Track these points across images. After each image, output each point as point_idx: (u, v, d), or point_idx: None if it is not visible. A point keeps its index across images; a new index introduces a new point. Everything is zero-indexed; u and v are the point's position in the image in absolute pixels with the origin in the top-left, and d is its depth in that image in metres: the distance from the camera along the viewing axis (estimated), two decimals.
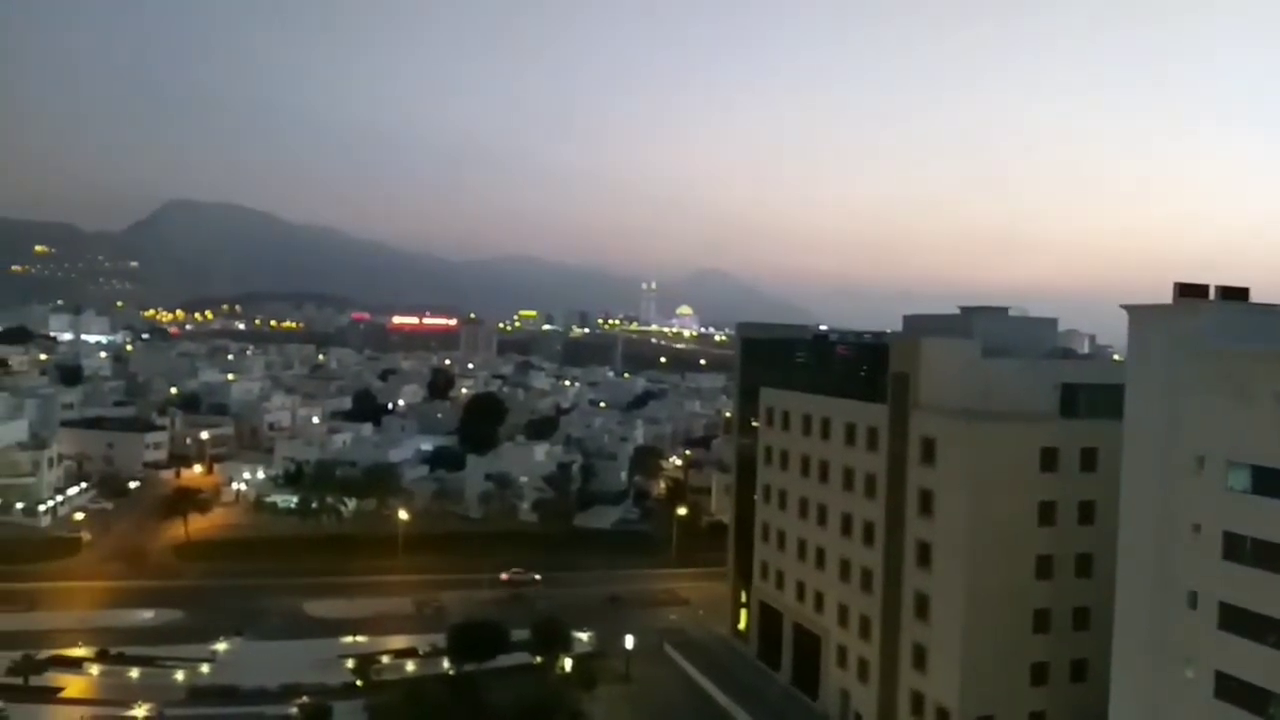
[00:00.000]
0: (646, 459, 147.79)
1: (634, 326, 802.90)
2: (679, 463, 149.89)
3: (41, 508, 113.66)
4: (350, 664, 73.90)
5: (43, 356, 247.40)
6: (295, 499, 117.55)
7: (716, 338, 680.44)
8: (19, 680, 67.28)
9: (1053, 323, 72.18)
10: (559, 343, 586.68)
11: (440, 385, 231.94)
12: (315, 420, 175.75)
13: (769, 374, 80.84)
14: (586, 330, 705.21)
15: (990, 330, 63.79)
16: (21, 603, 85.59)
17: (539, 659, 74.02)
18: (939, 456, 56.83)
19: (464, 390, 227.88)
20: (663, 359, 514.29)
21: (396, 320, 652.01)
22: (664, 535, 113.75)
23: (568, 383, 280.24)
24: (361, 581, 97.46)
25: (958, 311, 69.14)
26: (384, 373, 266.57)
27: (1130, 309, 43.97)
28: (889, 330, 74.87)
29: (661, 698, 71.79)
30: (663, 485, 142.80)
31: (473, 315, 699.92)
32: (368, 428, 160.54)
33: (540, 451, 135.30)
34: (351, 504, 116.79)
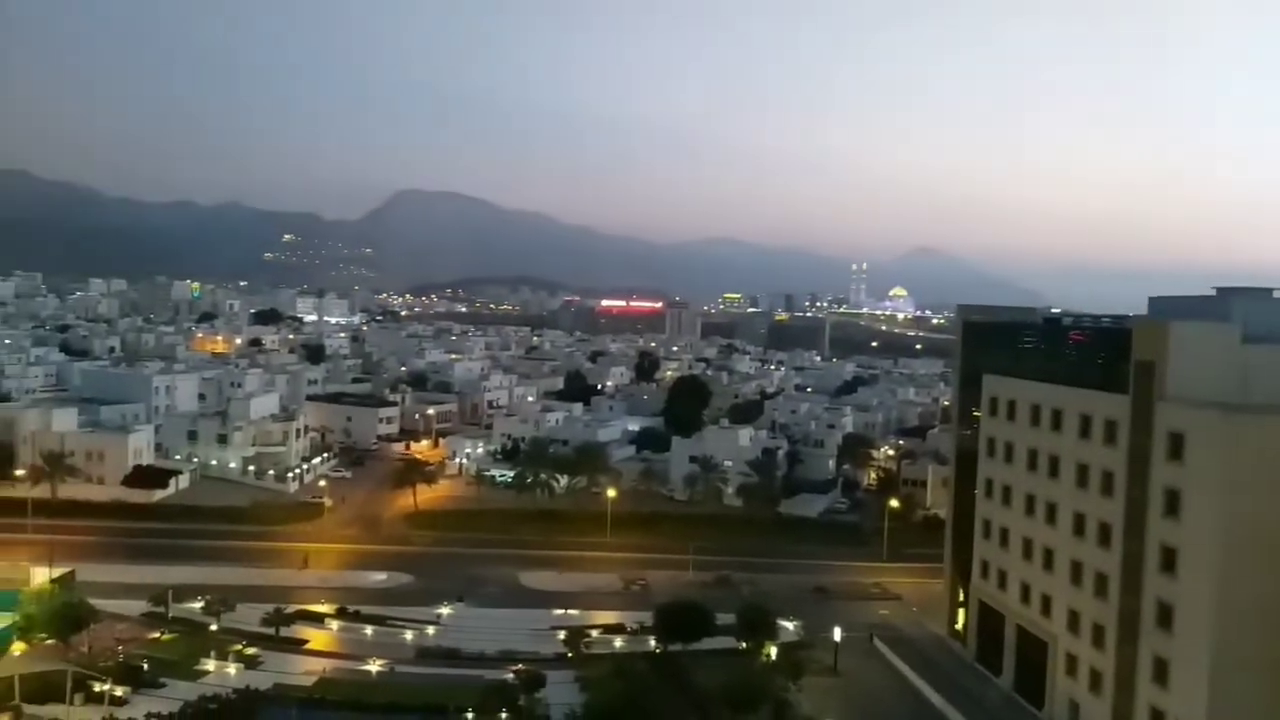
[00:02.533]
0: (856, 447, 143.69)
1: (843, 309, 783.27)
2: (891, 453, 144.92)
3: (290, 474, 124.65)
4: (562, 635, 76.42)
5: (291, 336, 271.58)
6: (511, 473, 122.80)
7: (933, 321, 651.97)
8: (271, 631, 74.06)
9: None
10: (763, 326, 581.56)
11: (646, 367, 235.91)
12: (530, 399, 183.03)
13: (993, 360, 76.31)
14: (792, 313, 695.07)
15: (1252, 314, 57.20)
16: (297, 562, 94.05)
17: (744, 645, 73.63)
18: (1189, 453, 51.59)
19: (668, 373, 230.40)
20: (874, 343, 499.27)
21: (605, 303, 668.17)
22: (874, 527, 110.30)
23: (772, 367, 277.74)
24: (571, 556, 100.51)
25: (1212, 293, 62.51)
26: (593, 354, 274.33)
27: None
28: (1130, 314, 68.71)
29: (870, 693, 69.64)
30: (873, 475, 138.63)
31: (677, 298, 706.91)
32: (578, 407, 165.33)
33: (744, 436, 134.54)
34: (563, 480, 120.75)
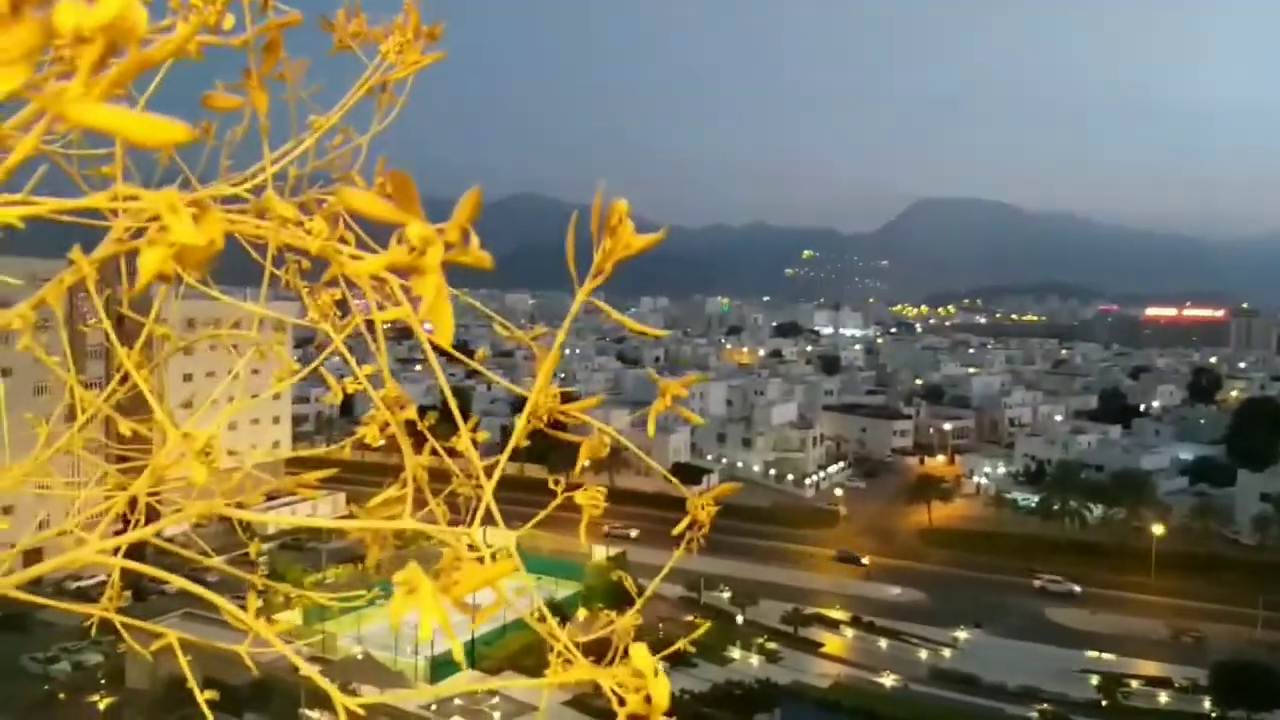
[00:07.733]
0: None
1: None
2: None
3: (807, 480, 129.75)
4: (1094, 680, 69.25)
5: (808, 348, 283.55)
6: (1035, 498, 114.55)
7: None
8: (789, 629, 77.53)
9: None
10: None
11: (1204, 386, 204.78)
12: (1058, 418, 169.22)
13: None
14: None
15: None
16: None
17: None
18: None
19: (1234, 393, 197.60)
20: None
21: (1150, 311, 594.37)
22: None
23: None
24: (1105, 595, 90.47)
25: None
26: (1134, 370, 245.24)
27: None
28: None
29: None
30: None
31: (1245, 305, 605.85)
32: (1116, 430, 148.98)
33: None
34: (1096, 510, 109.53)
